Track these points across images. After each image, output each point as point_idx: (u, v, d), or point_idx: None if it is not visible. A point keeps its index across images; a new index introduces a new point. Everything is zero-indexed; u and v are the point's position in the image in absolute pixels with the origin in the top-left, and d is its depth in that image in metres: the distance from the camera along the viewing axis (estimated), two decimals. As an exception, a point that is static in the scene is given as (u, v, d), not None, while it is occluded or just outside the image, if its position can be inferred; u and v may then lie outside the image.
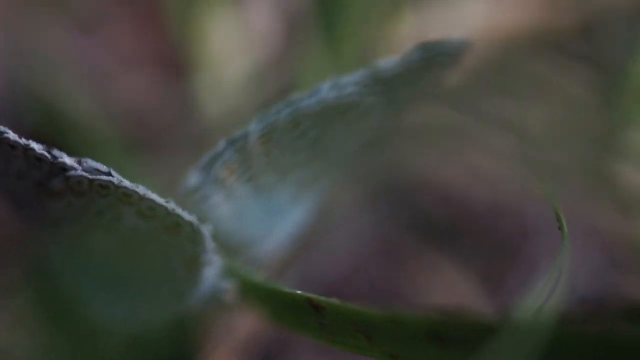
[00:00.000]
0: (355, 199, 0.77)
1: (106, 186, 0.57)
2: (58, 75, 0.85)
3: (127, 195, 0.57)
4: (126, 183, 0.56)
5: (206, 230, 0.57)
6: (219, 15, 0.87)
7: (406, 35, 0.87)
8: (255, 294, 0.61)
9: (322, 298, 0.55)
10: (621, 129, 0.78)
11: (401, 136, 0.76)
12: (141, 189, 0.56)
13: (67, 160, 0.57)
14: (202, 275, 0.59)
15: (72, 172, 0.57)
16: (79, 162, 0.57)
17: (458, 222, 0.77)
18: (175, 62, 0.87)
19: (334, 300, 0.55)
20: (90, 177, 0.57)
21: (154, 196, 0.57)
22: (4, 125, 0.57)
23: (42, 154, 0.57)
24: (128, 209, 0.57)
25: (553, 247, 0.74)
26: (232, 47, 0.87)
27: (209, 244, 0.57)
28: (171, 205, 0.56)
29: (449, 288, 0.74)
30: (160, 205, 0.56)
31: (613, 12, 0.88)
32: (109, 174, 0.57)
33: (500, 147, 0.74)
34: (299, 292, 0.59)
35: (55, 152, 0.58)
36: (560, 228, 0.59)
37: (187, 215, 0.57)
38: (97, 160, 0.57)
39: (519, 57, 0.86)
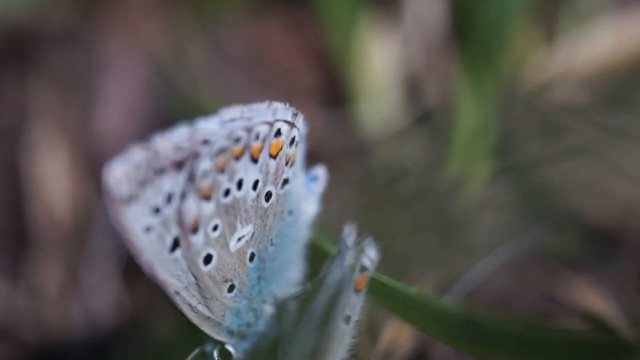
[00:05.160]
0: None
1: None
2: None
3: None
4: None
5: None
6: (375, 44, 0.93)
7: (542, 65, 0.91)
8: (405, 305, 0.63)
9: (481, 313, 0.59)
10: None
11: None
12: None
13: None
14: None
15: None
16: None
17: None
18: (335, 90, 0.93)
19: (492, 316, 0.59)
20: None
21: None
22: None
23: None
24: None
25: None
26: (387, 73, 0.93)
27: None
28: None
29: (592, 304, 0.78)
30: None
31: None
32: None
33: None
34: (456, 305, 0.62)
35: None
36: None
37: None
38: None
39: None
